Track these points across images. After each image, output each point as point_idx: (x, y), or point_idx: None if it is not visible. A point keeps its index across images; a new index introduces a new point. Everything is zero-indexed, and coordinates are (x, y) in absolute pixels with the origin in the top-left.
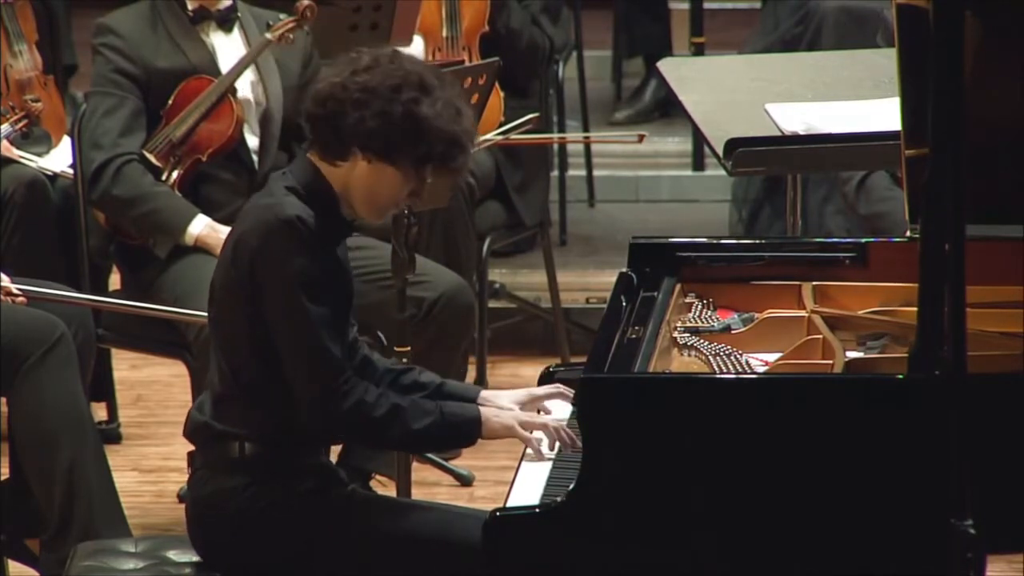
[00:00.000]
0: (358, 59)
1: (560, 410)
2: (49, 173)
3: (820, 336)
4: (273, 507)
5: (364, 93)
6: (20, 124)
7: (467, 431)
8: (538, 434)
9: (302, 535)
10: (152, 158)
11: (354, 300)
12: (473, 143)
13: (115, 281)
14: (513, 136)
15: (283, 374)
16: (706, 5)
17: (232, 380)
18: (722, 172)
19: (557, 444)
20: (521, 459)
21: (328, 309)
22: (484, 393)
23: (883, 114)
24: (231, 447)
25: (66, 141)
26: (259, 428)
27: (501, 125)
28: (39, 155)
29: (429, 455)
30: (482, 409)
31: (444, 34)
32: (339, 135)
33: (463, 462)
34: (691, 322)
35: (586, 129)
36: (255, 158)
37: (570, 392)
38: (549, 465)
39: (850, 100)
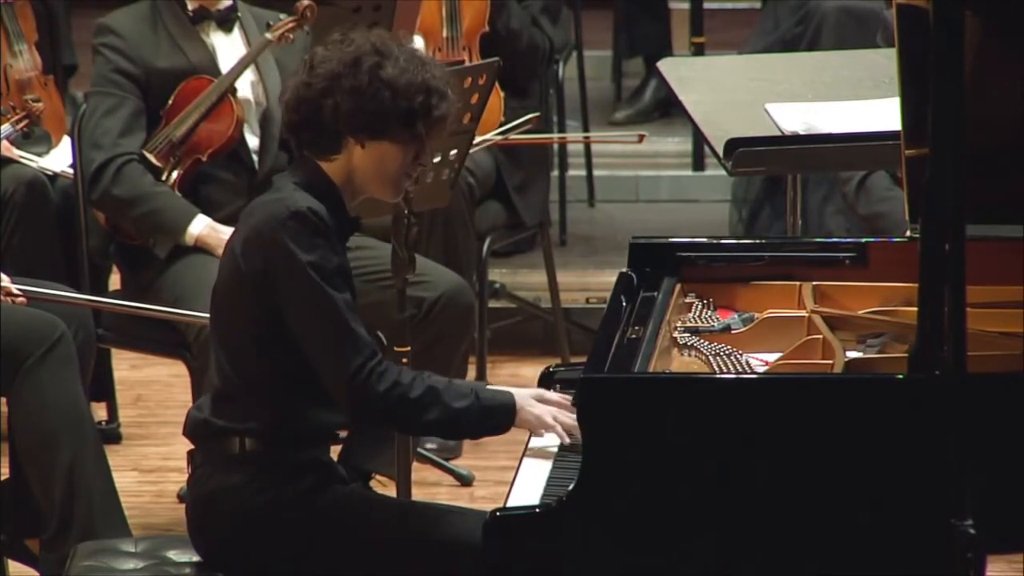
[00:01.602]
0: (313, 55)
1: None
2: (49, 173)
3: (820, 336)
4: (273, 506)
5: (328, 80)
6: (20, 124)
7: (501, 417)
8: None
9: (302, 535)
10: (152, 158)
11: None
12: (449, 87)
13: (115, 281)
14: (513, 136)
15: (310, 364)
16: (706, 5)
17: (234, 376)
18: (722, 172)
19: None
20: (521, 459)
21: (348, 295)
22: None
23: (883, 114)
24: (231, 443)
25: (66, 141)
26: (260, 424)
27: (501, 125)
28: (39, 155)
29: (429, 455)
30: (517, 397)
31: (444, 34)
32: (324, 130)
33: (463, 462)
34: (691, 322)
35: (586, 129)
36: (255, 158)
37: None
38: (549, 465)
39: (850, 100)
